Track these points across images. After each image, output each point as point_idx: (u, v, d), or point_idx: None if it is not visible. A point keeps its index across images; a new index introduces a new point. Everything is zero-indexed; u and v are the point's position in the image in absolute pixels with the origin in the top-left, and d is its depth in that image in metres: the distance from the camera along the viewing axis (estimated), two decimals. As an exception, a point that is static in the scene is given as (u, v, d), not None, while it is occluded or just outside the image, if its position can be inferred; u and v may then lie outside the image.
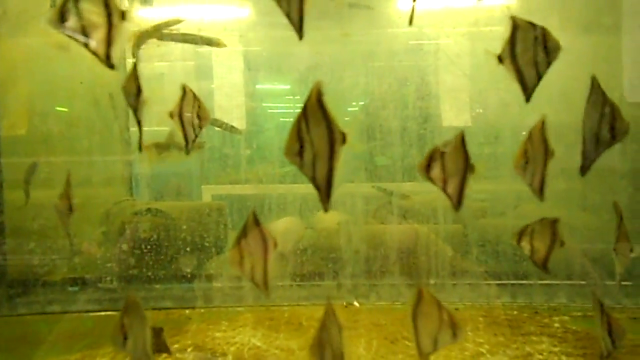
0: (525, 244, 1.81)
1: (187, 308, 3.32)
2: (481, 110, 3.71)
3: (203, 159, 4.01)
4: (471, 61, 3.79)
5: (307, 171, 1.15)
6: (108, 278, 3.45)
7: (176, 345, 2.72)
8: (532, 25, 1.55)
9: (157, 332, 2.06)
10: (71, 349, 2.66)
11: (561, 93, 3.70)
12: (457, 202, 1.48)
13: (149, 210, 3.90)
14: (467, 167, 1.51)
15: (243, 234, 1.51)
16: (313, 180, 1.15)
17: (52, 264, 3.50)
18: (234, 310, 3.28)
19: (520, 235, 1.83)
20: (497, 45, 3.65)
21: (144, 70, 4.01)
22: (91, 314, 3.27)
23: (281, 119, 4.37)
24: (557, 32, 3.93)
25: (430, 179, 1.53)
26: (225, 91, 3.93)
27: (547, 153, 1.79)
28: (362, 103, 4.07)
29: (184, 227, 3.61)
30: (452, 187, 1.52)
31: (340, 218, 3.87)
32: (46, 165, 3.51)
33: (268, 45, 4.10)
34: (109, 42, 1.23)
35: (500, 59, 1.49)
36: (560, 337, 2.69)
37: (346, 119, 4.01)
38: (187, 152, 1.94)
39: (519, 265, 3.41)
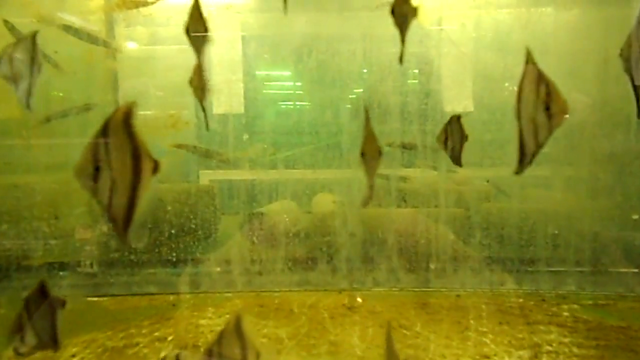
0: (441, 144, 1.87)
1: (172, 294, 3.13)
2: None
3: (201, 143, 3.83)
4: (475, 44, 3.59)
5: (102, 198, 0.97)
6: (88, 262, 3.24)
7: (156, 334, 2.52)
8: None
9: None
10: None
11: (571, 70, 3.47)
12: None
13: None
14: None
15: (217, 341, 1.17)
16: (108, 210, 0.98)
17: (30, 248, 3.30)
18: (221, 296, 3.09)
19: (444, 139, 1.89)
20: (502, 28, 3.47)
21: (140, 53, 3.87)
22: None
23: (281, 105, 4.22)
24: (568, 4, 3.68)
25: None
26: (224, 75, 3.76)
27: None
28: (360, 90, 3.90)
29: (169, 208, 3.40)
30: None
31: (335, 198, 3.70)
32: (31, 148, 3.33)
33: (267, 29, 3.92)
34: None
35: None
36: (570, 327, 2.49)
37: (348, 106, 3.76)
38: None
39: (525, 250, 3.21)
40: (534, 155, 1.08)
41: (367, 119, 1.54)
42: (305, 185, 3.68)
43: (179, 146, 3.55)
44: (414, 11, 1.45)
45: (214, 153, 3.61)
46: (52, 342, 1.48)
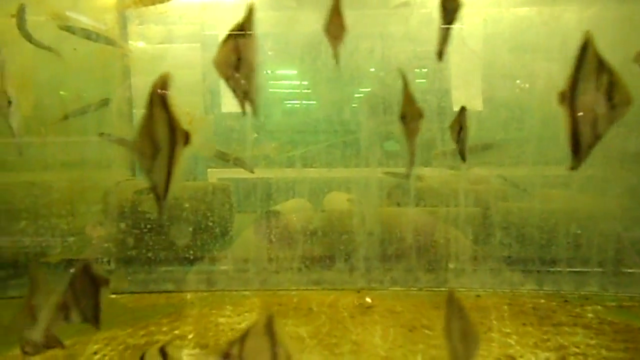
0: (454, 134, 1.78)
1: (189, 291, 3.12)
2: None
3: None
4: (487, 44, 3.55)
5: (153, 176, 1.01)
6: (105, 259, 3.24)
7: (176, 332, 2.51)
8: None
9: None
10: (62, 334, 2.46)
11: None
12: None
13: (149, 189, 3.68)
14: None
15: (240, 340, 1.07)
16: (155, 187, 1.01)
17: (47, 245, 3.31)
18: (239, 295, 3.08)
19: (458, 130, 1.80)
20: (512, 27, 3.41)
21: (153, 51, 3.86)
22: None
23: (290, 103, 4.24)
24: (589, 3, 3.59)
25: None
26: None
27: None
28: (368, 89, 3.89)
29: (186, 205, 3.39)
30: None
31: (348, 197, 3.68)
32: (43, 146, 3.34)
33: (277, 27, 3.91)
34: None
35: None
36: (596, 329, 2.45)
37: (354, 105, 3.74)
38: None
39: (546, 250, 3.17)
40: (590, 147, 1.04)
41: (406, 83, 1.53)
42: (320, 183, 3.66)
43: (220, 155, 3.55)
44: (460, 7, 1.43)
45: (238, 159, 3.57)
46: (95, 320, 1.49)
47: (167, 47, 3.82)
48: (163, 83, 1.00)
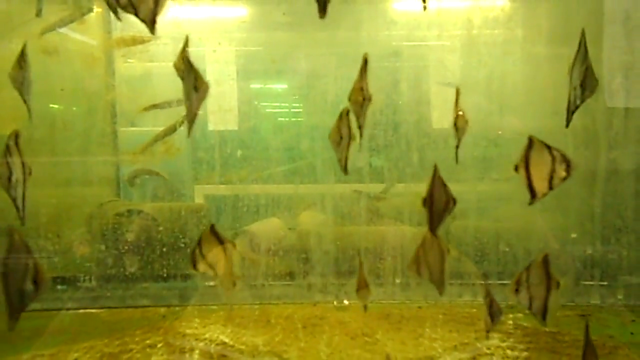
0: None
1: (163, 306, 3.46)
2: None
3: (195, 159, 4.11)
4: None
5: None
6: (87, 277, 3.59)
7: (147, 342, 2.86)
8: None
9: None
10: (47, 344, 2.80)
11: (543, 100, 3.76)
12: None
13: (129, 211, 4.03)
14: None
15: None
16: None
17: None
18: (207, 309, 3.43)
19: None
20: (489, 48, 3.71)
21: (134, 70, 4.15)
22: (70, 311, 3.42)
23: (278, 119, 4.45)
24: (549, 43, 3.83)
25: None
26: (218, 92, 3.97)
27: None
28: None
29: (161, 228, 3.75)
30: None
31: (320, 217, 3.97)
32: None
33: (261, 45, 4.20)
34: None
35: None
36: (509, 333, 2.85)
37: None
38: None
39: (480, 265, 3.58)
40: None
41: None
42: (294, 201, 3.95)
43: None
44: None
45: None
46: None
47: (152, 65, 4.07)
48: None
